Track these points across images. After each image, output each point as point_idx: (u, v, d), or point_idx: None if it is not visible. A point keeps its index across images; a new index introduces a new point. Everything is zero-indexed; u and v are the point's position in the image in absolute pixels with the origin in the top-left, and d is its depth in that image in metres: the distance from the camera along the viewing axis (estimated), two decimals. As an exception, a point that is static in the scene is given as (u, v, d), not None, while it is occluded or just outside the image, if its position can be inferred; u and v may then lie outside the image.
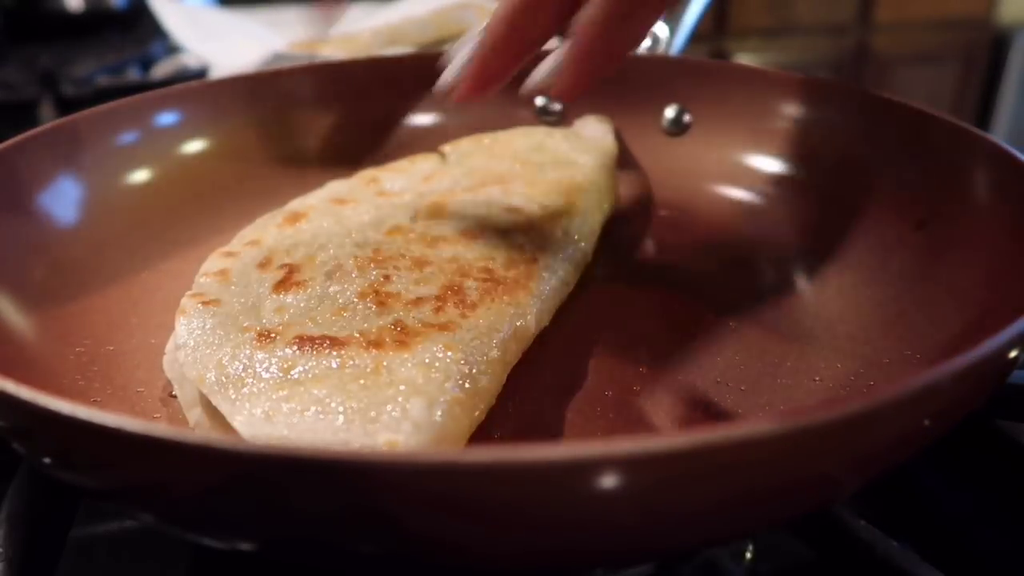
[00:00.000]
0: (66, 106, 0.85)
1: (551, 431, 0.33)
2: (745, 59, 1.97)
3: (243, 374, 0.31)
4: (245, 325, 0.35)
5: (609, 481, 0.19)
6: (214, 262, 0.40)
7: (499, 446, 0.30)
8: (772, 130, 0.52)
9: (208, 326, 0.34)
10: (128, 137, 0.49)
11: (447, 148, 0.54)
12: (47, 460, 0.25)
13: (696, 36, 0.63)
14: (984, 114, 2.25)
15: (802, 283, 0.43)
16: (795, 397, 0.35)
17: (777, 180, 0.51)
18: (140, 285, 0.44)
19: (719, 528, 0.24)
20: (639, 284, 0.44)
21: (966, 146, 0.41)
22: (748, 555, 0.37)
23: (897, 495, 0.40)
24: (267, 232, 0.43)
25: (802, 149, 0.50)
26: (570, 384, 0.36)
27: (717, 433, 0.19)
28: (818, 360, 0.37)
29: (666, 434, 0.19)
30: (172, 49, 1.02)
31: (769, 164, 0.52)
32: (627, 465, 0.19)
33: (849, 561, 0.31)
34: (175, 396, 0.36)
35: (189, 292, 0.37)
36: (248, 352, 0.32)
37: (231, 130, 0.53)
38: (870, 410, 0.21)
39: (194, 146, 0.52)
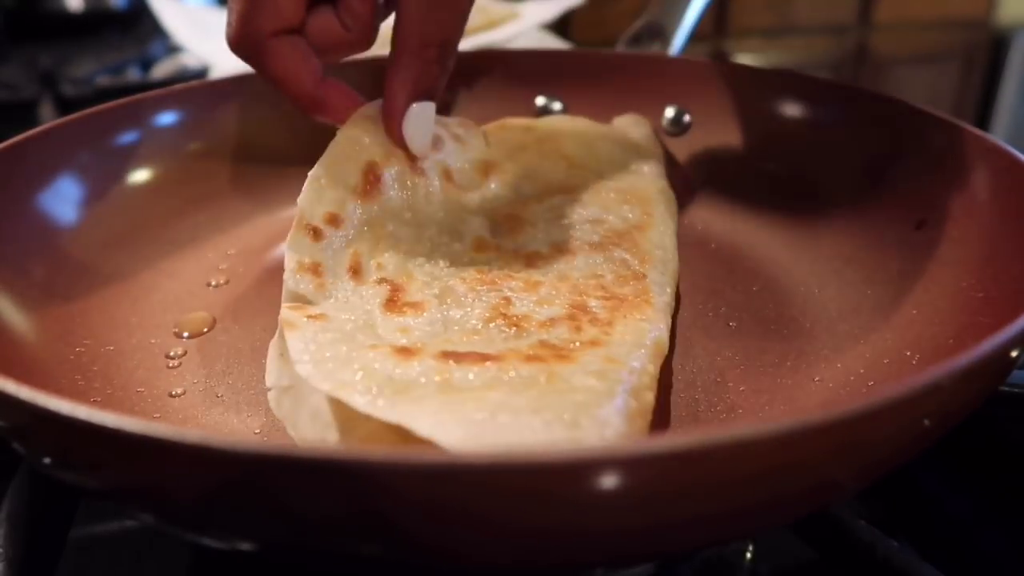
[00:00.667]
0: (66, 106, 0.85)
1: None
2: (745, 59, 1.97)
3: (401, 384, 0.28)
4: (370, 344, 0.31)
5: (610, 482, 0.19)
6: (302, 245, 0.36)
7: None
8: (771, 130, 0.52)
9: (325, 341, 0.31)
10: (128, 137, 0.49)
11: (490, 129, 0.49)
12: (47, 460, 0.25)
13: (696, 36, 0.63)
14: (984, 114, 2.25)
15: (802, 283, 0.43)
16: (795, 397, 0.35)
17: (777, 180, 0.51)
18: (140, 285, 0.44)
19: (719, 528, 0.24)
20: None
21: (966, 146, 0.41)
22: (748, 555, 0.37)
23: (897, 495, 0.40)
24: (344, 206, 0.38)
25: (801, 149, 0.50)
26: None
27: (718, 433, 0.19)
28: (818, 360, 0.37)
29: (666, 435, 0.19)
30: (172, 49, 1.02)
31: (768, 164, 0.52)
32: (628, 466, 0.19)
33: (849, 561, 0.31)
34: (175, 396, 0.36)
35: (287, 304, 0.34)
36: (391, 363, 0.29)
37: (231, 130, 0.53)
38: (870, 410, 0.21)
39: (194, 146, 0.52)
